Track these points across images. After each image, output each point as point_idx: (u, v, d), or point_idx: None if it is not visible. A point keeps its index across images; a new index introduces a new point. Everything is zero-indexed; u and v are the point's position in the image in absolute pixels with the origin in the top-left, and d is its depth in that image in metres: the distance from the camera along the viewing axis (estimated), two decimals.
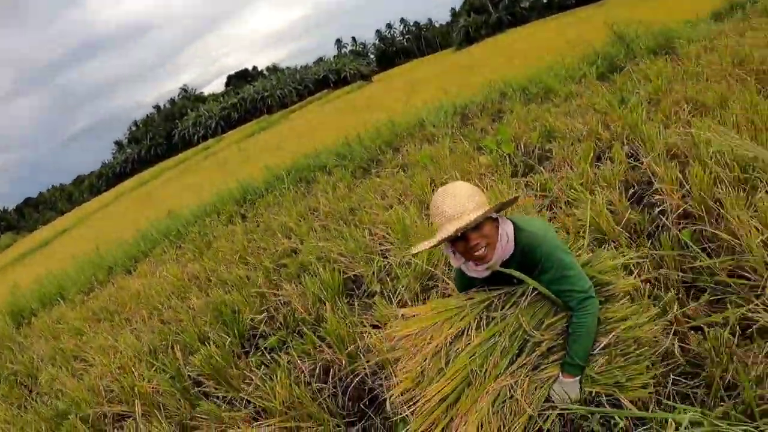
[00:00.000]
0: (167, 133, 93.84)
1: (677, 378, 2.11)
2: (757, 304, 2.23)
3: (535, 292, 2.05)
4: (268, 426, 2.73)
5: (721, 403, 1.93)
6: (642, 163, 3.99)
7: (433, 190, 5.13)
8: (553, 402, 1.97)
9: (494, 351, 2.01)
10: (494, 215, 1.99)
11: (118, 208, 26.16)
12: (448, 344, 2.06)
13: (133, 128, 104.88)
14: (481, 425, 1.93)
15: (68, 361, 5.03)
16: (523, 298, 2.06)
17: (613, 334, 2.02)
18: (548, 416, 1.97)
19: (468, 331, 2.06)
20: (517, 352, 2.02)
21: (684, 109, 4.72)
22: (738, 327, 2.19)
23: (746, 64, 5.43)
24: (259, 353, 3.72)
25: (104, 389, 4.01)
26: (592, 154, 4.44)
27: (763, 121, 3.71)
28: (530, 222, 2.08)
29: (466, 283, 2.23)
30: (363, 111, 14.19)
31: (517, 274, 2.00)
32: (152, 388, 3.67)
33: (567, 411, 1.98)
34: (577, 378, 1.96)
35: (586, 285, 1.97)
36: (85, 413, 3.64)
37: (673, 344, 2.17)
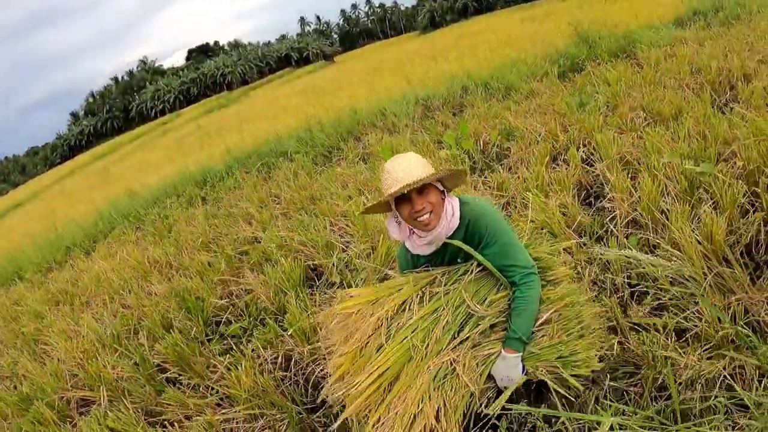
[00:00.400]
0: (124, 106, 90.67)
1: (616, 376, 2.28)
2: (693, 312, 2.43)
3: (479, 269, 2.05)
4: (233, 413, 2.86)
5: (654, 403, 2.12)
6: (596, 169, 4.16)
7: None
8: (495, 379, 1.97)
9: (436, 325, 1.98)
10: (441, 188, 2.02)
11: (74, 184, 25.31)
12: (389, 319, 2.01)
13: (90, 100, 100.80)
14: (421, 401, 1.89)
15: (29, 344, 4.99)
16: (467, 275, 2.05)
17: (554, 310, 2.07)
18: (489, 396, 1.99)
19: (410, 306, 2.03)
20: (458, 327, 1.99)
21: (640, 116, 4.89)
22: (674, 332, 2.37)
23: (703, 73, 5.64)
24: (223, 341, 3.83)
25: (68, 374, 4.04)
26: (548, 157, 4.59)
27: (713, 135, 3.88)
28: (475, 199, 2.13)
29: (409, 263, 2.22)
30: (325, 95, 14.13)
31: (462, 245, 2.00)
32: (116, 374, 3.73)
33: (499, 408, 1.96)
34: (519, 354, 1.95)
35: (529, 262, 2.01)
36: (50, 399, 3.66)
37: (614, 343, 2.34)
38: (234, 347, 3.63)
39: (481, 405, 1.96)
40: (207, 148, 14.02)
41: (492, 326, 2.02)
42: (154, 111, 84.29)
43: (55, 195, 23.27)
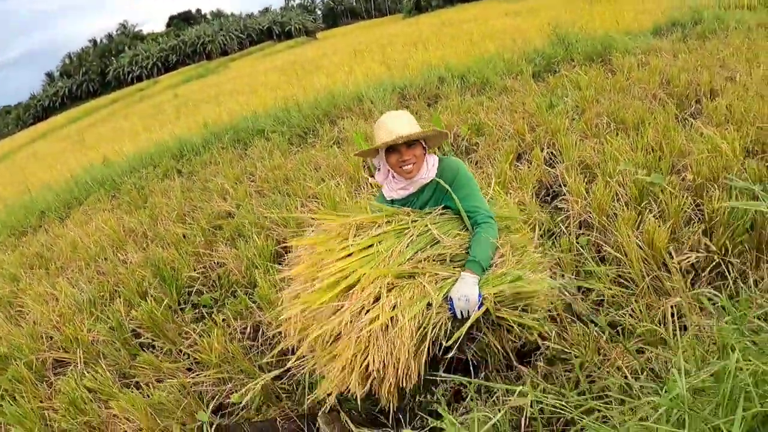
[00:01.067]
0: (101, 69, 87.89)
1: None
2: (627, 311, 2.63)
3: (446, 213, 2.34)
4: (203, 377, 3.05)
5: (576, 388, 2.33)
6: (556, 170, 4.34)
7: (364, 166, 5.42)
8: (453, 303, 2.05)
9: (401, 241, 2.19)
10: (424, 145, 2.36)
11: (47, 147, 24.70)
12: (353, 236, 2.22)
13: (67, 61, 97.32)
14: (378, 300, 2.05)
15: (5, 306, 5.06)
16: (434, 214, 2.33)
17: (510, 246, 2.32)
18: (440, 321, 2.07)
19: (378, 227, 2.26)
20: (422, 247, 2.19)
21: (604, 122, 5.05)
22: (609, 327, 2.52)
23: (672, 85, 5.79)
24: (195, 310, 3.99)
25: (44, 336, 4.16)
26: (513, 155, 4.75)
27: (670, 147, 4.06)
28: (450, 157, 2.47)
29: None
30: (305, 73, 14.10)
31: (439, 181, 2.33)
32: (92, 337, 3.87)
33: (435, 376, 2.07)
34: (477, 277, 2.08)
35: (490, 211, 2.30)
36: (28, 359, 3.78)
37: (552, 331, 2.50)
38: (206, 316, 3.81)
39: (436, 338, 2.07)
40: (184, 119, 13.90)
41: (453, 257, 2.21)
42: (131, 76, 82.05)
43: (27, 157, 22.71)
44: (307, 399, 2.57)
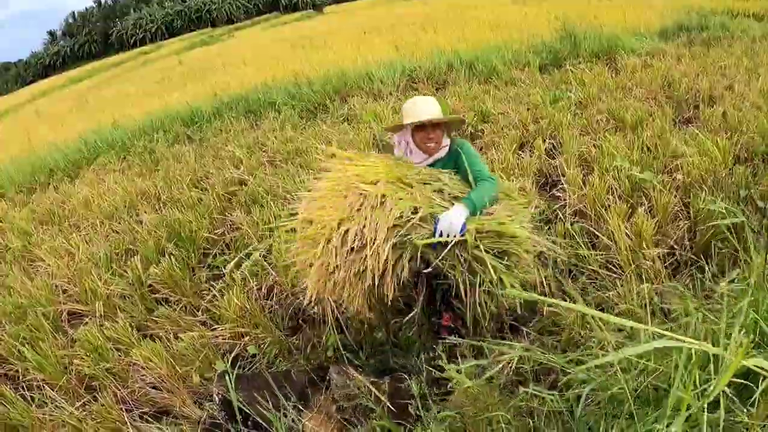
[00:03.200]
0: (104, 31, 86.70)
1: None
2: (614, 293, 2.87)
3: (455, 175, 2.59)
4: (221, 330, 3.23)
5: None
6: (556, 161, 4.54)
7: (373, 144, 5.56)
8: (438, 225, 2.25)
9: (408, 172, 2.49)
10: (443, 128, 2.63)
11: (50, 106, 24.57)
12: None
13: (70, 20, 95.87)
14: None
15: (17, 259, 5.20)
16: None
17: (504, 204, 2.56)
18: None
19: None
20: (429, 183, 2.47)
21: (605, 120, 5.21)
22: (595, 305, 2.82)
23: (672, 89, 5.91)
24: (209, 271, 4.16)
25: (60, 289, 4.31)
26: (516, 145, 4.93)
27: (664, 148, 4.26)
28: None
29: None
30: (314, 49, 14.10)
31: (455, 146, 2.62)
32: (110, 291, 4.03)
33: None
34: (466, 211, 2.28)
35: (488, 173, 2.55)
36: (45, 309, 3.93)
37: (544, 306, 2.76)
38: (222, 276, 3.99)
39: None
40: (192, 86, 13.91)
41: (451, 196, 2.44)
42: (134, 39, 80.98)
43: (29, 115, 22.61)
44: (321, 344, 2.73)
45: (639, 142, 4.44)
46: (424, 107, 2.56)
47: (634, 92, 5.95)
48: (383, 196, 2.30)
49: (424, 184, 2.48)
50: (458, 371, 1.80)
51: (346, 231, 2.28)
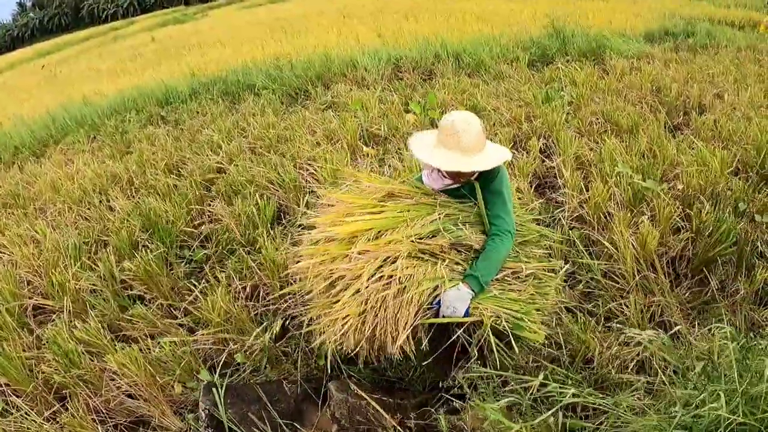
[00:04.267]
0: (75, 4, 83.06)
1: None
2: (620, 303, 2.74)
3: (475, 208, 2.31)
4: (202, 336, 2.93)
5: (581, 372, 2.38)
6: (552, 162, 4.35)
7: (360, 137, 5.26)
8: (441, 305, 2.07)
9: (429, 215, 2.21)
10: None
11: (17, 79, 23.27)
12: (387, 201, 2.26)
13: None
14: (393, 261, 2.07)
15: None
16: (465, 205, 2.34)
17: (537, 268, 2.32)
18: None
19: (412, 198, 2.29)
20: (448, 229, 2.20)
21: (600, 122, 5.06)
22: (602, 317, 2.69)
23: (662, 94, 5.80)
24: (186, 265, 3.83)
25: (25, 281, 3.92)
26: (511, 143, 4.73)
27: (662, 156, 4.15)
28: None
29: None
30: (294, 33, 13.56)
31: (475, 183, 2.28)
32: (78, 285, 3.66)
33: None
34: (472, 293, 2.07)
35: (512, 226, 2.24)
36: (9, 304, 3.55)
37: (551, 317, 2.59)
38: (201, 271, 3.69)
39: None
40: (166, 65, 13.23)
41: (469, 249, 2.24)
42: (105, 14, 77.72)
43: None
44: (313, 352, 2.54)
45: (637, 148, 4.31)
46: (466, 140, 2.10)
47: (626, 95, 5.82)
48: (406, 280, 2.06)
49: (445, 232, 2.20)
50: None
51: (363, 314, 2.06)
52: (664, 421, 1.47)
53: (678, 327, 2.36)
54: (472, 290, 2.08)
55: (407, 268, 2.06)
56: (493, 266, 2.15)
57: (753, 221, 3.39)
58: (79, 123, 8.51)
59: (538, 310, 2.22)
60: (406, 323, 2.03)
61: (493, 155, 2.20)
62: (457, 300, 2.04)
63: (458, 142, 2.11)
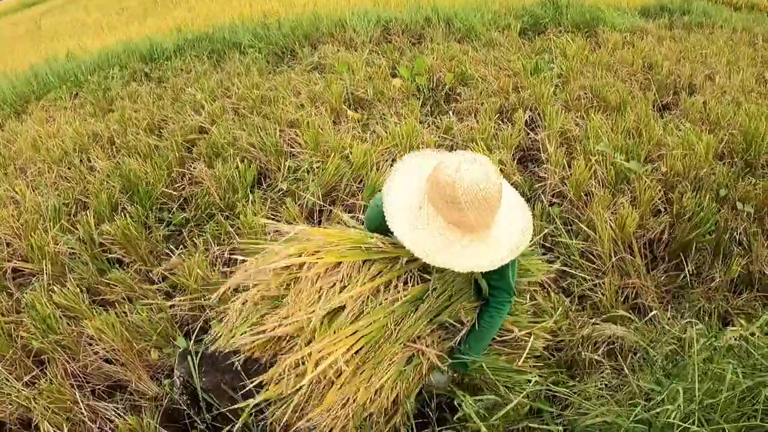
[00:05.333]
0: None
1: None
2: (596, 284, 2.72)
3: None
4: (179, 301, 2.88)
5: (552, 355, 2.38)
6: (538, 136, 4.26)
7: (345, 101, 5.10)
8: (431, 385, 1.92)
9: (418, 309, 1.80)
10: None
11: (1, 32, 22.42)
12: (369, 294, 1.75)
13: None
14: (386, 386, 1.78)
15: None
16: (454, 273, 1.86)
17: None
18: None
19: (391, 285, 1.77)
20: (436, 314, 1.86)
21: (588, 97, 4.93)
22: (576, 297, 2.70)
23: (654, 71, 5.65)
24: (170, 228, 3.75)
25: (5, 244, 3.82)
26: (497, 114, 4.62)
27: (648, 136, 4.07)
28: None
29: (380, 229, 1.82)
30: None
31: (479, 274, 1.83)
32: (57, 249, 3.57)
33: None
34: (455, 375, 1.92)
35: (513, 288, 1.86)
36: None
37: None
38: (180, 235, 3.61)
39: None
40: (152, 19, 12.73)
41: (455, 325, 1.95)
42: None
43: None
44: None
45: (623, 126, 4.22)
46: (475, 218, 1.48)
47: (616, 71, 5.68)
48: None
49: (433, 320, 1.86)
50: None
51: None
52: (624, 413, 1.45)
53: (653, 312, 2.34)
54: (461, 373, 1.93)
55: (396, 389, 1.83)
56: (485, 344, 1.90)
57: (734, 209, 3.37)
58: (62, 79, 8.19)
59: None
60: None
61: (510, 234, 1.59)
62: (445, 385, 1.94)
63: (465, 216, 1.49)
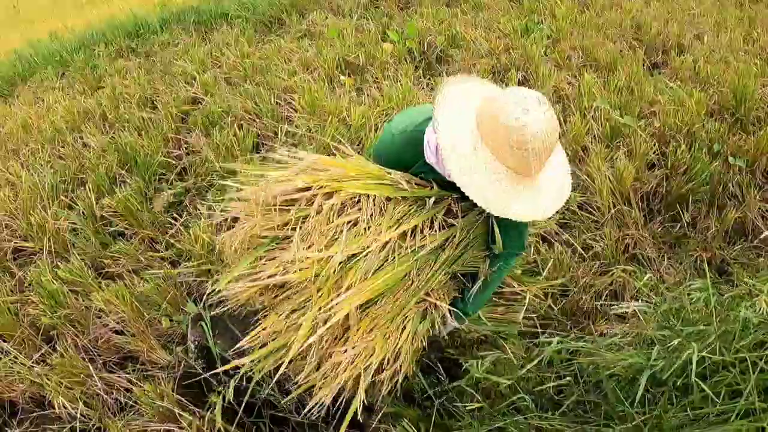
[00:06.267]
0: None
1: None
2: (595, 235, 2.81)
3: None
4: (186, 268, 2.82)
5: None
6: None
7: (338, 66, 4.96)
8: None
9: (438, 258, 1.64)
10: None
11: None
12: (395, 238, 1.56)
13: None
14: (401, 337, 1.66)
15: None
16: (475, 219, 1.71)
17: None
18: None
19: (418, 230, 1.60)
20: (452, 263, 1.71)
21: (578, 57, 4.86)
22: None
23: (642, 32, 5.54)
24: (171, 198, 3.66)
25: (3, 225, 3.71)
26: (490, 75, 4.55)
27: (640, 93, 4.06)
28: None
29: (394, 161, 1.71)
30: None
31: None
32: (57, 225, 3.48)
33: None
34: (456, 326, 1.86)
35: (524, 245, 1.79)
36: None
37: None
38: (180, 205, 3.54)
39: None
40: None
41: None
42: None
43: None
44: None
45: (615, 84, 4.20)
46: (537, 165, 1.36)
47: (606, 31, 5.54)
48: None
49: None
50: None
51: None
52: (642, 357, 1.43)
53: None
54: (457, 324, 1.84)
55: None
56: (487, 298, 1.85)
57: (726, 162, 3.42)
58: (47, 59, 7.91)
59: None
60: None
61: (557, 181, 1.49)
62: (444, 332, 1.87)
63: (524, 164, 1.36)
